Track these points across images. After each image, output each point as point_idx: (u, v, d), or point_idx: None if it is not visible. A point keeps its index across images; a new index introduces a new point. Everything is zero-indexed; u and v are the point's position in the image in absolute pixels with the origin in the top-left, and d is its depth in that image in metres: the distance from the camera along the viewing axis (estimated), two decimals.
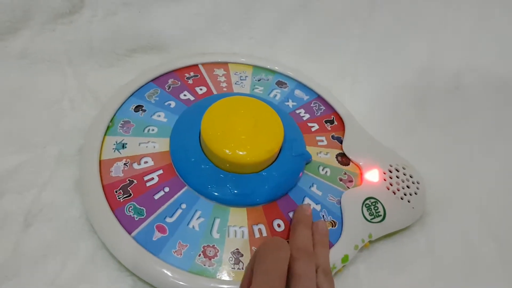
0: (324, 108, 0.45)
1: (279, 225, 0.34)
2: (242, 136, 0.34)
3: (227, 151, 0.33)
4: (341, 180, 0.38)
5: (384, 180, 0.39)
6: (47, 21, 0.43)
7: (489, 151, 0.45)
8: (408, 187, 0.39)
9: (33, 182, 0.35)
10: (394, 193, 0.38)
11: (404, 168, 0.40)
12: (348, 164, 0.40)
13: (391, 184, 0.38)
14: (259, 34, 0.51)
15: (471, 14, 0.52)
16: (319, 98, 0.46)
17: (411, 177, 0.40)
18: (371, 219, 0.36)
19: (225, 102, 0.36)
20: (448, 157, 0.45)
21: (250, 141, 0.34)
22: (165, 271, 0.30)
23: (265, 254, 0.27)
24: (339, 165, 0.39)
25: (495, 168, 0.44)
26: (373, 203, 0.37)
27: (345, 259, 0.33)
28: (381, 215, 0.36)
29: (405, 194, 0.38)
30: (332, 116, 0.44)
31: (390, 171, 0.39)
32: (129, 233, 0.32)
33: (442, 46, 0.51)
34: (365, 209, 0.36)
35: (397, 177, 0.39)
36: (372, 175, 0.39)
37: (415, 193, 0.39)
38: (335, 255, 0.33)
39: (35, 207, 0.34)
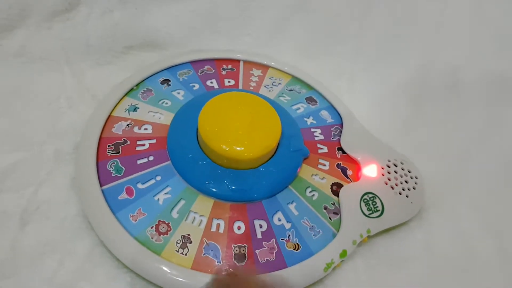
0: None
1: (239, 227, 0.33)
2: (239, 131, 0.34)
3: (224, 146, 0.33)
4: (325, 208, 0.36)
5: (382, 175, 0.39)
6: (44, 19, 0.43)
7: (487, 147, 0.45)
8: (406, 182, 0.39)
9: (30, 180, 0.35)
10: (392, 188, 0.38)
11: (402, 163, 0.40)
12: None
13: (389, 179, 0.38)
14: (257, 32, 0.51)
15: (468, 12, 0.52)
16: (342, 124, 0.44)
17: (409, 172, 0.40)
18: (369, 214, 0.36)
19: (222, 97, 0.36)
20: (446, 153, 0.45)
21: (247, 137, 0.34)
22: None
23: None
24: (330, 194, 0.37)
25: (493, 164, 0.44)
26: (371, 198, 0.37)
27: (343, 254, 0.33)
28: (379, 210, 0.36)
29: (403, 189, 0.38)
30: None
31: (388, 166, 0.39)
32: (101, 185, 0.34)
33: (440, 43, 0.51)
34: (363, 204, 0.36)
35: (395, 172, 0.39)
36: (370, 170, 0.39)
37: (413, 188, 0.39)
38: (333, 250, 0.33)
39: (32, 205, 0.33)
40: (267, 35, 0.51)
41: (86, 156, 0.35)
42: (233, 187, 0.34)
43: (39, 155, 0.37)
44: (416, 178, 0.40)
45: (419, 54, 0.51)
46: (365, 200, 0.37)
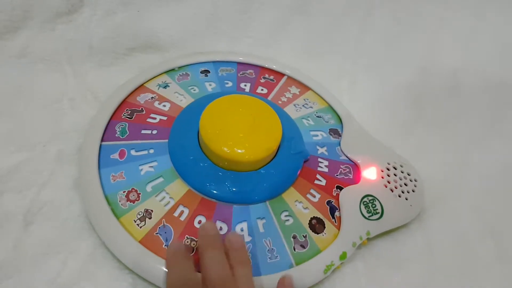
0: (351, 175, 0.40)
1: (200, 222, 0.33)
2: (240, 134, 0.34)
3: (225, 149, 0.33)
4: (294, 237, 0.34)
5: (382, 177, 0.39)
6: (47, 21, 0.43)
7: (486, 150, 0.45)
8: (405, 184, 0.39)
9: (33, 181, 0.35)
10: (392, 191, 0.38)
11: (401, 166, 0.40)
12: (318, 233, 0.35)
13: (388, 182, 0.39)
14: (258, 34, 0.51)
15: (469, 14, 0.52)
16: (354, 165, 0.41)
17: (408, 174, 0.40)
18: (369, 216, 0.36)
19: (223, 100, 0.37)
20: (446, 156, 0.45)
21: (248, 139, 0.34)
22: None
23: None
24: (306, 226, 0.35)
25: (493, 166, 0.44)
26: (371, 201, 0.37)
27: (343, 256, 0.34)
28: (378, 213, 0.37)
29: (402, 192, 0.38)
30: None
31: (388, 169, 0.40)
32: (102, 140, 0.37)
33: (440, 45, 0.52)
34: (363, 206, 0.36)
35: (395, 174, 0.39)
36: (370, 173, 0.39)
37: (413, 191, 0.39)
38: (333, 252, 0.34)
39: (35, 205, 0.34)
40: (268, 37, 0.51)
41: (89, 158, 0.36)
42: (233, 189, 0.34)
43: (41, 156, 0.37)
44: (415, 181, 0.40)
45: (420, 57, 0.51)
46: (365, 203, 0.37)
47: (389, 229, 0.37)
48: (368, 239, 0.36)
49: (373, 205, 0.37)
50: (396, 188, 0.38)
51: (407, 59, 0.51)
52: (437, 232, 0.38)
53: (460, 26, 0.52)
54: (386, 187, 0.38)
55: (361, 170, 0.39)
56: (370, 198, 0.37)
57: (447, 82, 0.50)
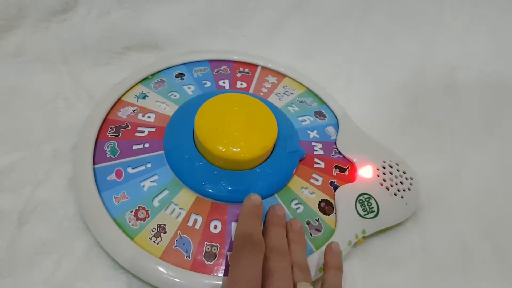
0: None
1: (215, 226, 0.33)
2: (236, 133, 0.34)
3: (220, 148, 0.33)
4: (308, 223, 0.35)
5: (378, 176, 0.39)
6: (41, 20, 0.43)
7: (483, 149, 0.45)
8: (401, 183, 0.39)
9: (27, 180, 0.35)
10: (388, 189, 0.38)
11: (397, 165, 0.40)
12: (328, 215, 0.36)
13: (384, 180, 0.39)
14: (254, 33, 0.51)
15: (465, 14, 0.52)
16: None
17: (404, 173, 0.40)
18: (365, 215, 0.36)
19: (219, 99, 0.37)
20: (442, 155, 0.45)
21: (243, 138, 0.34)
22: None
23: (241, 255, 0.29)
24: (317, 210, 0.36)
25: (489, 165, 0.44)
26: (367, 199, 0.37)
27: None
28: (374, 211, 0.37)
29: (398, 190, 0.39)
30: (347, 166, 0.40)
31: (384, 167, 0.40)
32: (94, 163, 0.35)
33: (436, 45, 0.52)
34: (358, 205, 0.36)
35: (391, 173, 0.39)
36: (366, 172, 0.39)
37: (409, 189, 0.39)
38: None
39: (30, 205, 0.34)
40: (264, 36, 0.51)
41: (83, 157, 0.35)
42: (229, 188, 0.34)
43: (36, 155, 0.37)
44: (411, 179, 0.40)
45: (416, 56, 0.51)
46: (361, 201, 0.37)
47: (384, 227, 0.37)
48: (363, 237, 0.36)
49: (369, 204, 0.37)
50: (391, 186, 0.39)
51: (403, 58, 0.51)
52: (433, 230, 0.39)
53: (457, 25, 0.52)
54: (381, 185, 0.38)
55: (356, 169, 0.39)
56: (365, 196, 0.37)
57: (443, 81, 0.50)
